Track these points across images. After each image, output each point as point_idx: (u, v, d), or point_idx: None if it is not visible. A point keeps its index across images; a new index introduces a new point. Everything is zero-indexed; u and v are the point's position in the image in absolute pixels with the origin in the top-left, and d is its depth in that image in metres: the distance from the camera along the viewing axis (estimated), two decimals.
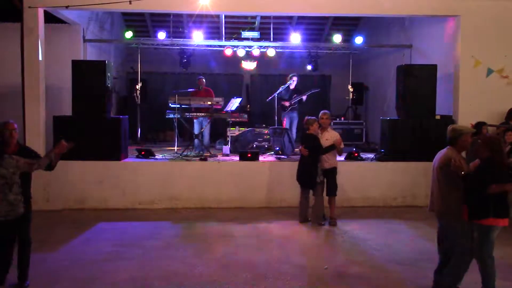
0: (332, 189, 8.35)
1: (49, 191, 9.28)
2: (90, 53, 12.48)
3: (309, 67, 14.75)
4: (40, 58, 9.44)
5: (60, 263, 6.33)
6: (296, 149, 10.28)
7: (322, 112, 8.47)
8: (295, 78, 12.09)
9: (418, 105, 10.17)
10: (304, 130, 8.53)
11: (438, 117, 10.41)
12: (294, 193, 8.82)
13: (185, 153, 10.56)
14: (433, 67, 10.38)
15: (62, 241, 7.22)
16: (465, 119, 9.54)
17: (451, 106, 10.45)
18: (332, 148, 8.14)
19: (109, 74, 9.87)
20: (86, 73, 9.67)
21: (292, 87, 12.08)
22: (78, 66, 9.79)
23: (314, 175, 8.17)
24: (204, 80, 12.15)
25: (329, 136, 8.25)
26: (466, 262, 5.15)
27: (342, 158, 10.48)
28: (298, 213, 8.49)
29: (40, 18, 9.44)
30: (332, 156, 8.26)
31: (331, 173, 8.32)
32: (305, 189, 8.41)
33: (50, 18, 10.30)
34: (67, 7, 9.12)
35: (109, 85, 9.89)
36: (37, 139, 9.37)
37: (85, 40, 12.13)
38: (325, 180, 8.32)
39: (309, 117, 8.45)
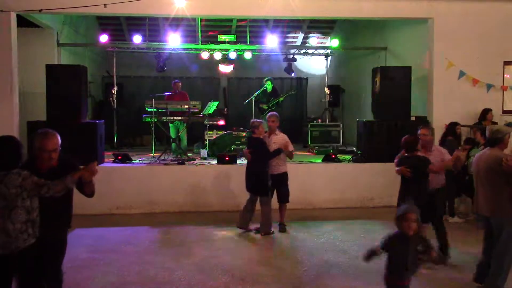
0: (284, 196, 7.94)
1: None
2: (65, 57, 12.32)
3: (288, 74, 14.81)
4: (13, 63, 9.30)
5: None
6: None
7: (269, 114, 8.15)
8: (269, 83, 12.18)
9: (393, 106, 10.29)
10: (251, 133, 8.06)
11: (413, 118, 10.57)
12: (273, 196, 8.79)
13: (162, 157, 10.50)
14: (408, 69, 10.54)
15: None
16: (440, 120, 9.71)
17: (425, 107, 10.61)
18: (279, 152, 7.70)
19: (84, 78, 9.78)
20: (60, 78, 9.55)
21: (268, 90, 12.17)
22: (53, 71, 9.66)
23: (266, 181, 7.71)
24: (180, 84, 12.10)
25: (277, 140, 7.82)
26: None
27: (319, 160, 10.61)
28: (239, 218, 8.02)
29: (12, 22, 9.29)
30: (281, 161, 7.83)
31: (281, 179, 7.88)
32: (254, 196, 7.92)
33: (23, 22, 10.15)
34: (40, 10, 9.01)
35: (84, 89, 9.79)
36: None
37: (59, 44, 11.98)
38: (274, 187, 7.90)
39: (255, 119, 8.10)
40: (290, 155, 7.91)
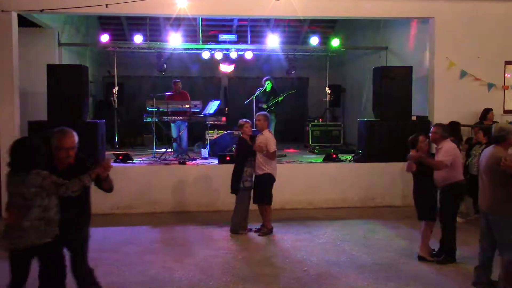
0: (257, 196, 7.78)
1: None
2: (66, 57, 12.33)
3: (289, 74, 14.78)
4: (14, 63, 9.31)
5: (37, 270, 6.21)
6: None
7: (257, 114, 8.13)
8: (268, 82, 12.19)
9: (394, 106, 10.30)
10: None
11: (414, 118, 10.56)
12: (274, 196, 8.77)
13: (163, 157, 10.50)
14: (409, 69, 10.53)
15: None
16: (440, 120, 9.65)
17: (426, 107, 10.61)
18: (247, 153, 7.72)
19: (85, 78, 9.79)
20: (61, 77, 9.55)
21: (267, 89, 12.18)
22: (54, 70, 9.66)
23: (237, 181, 7.72)
24: (180, 84, 12.10)
25: (262, 139, 7.69)
26: None
27: (320, 159, 10.62)
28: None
29: (14, 21, 9.29)
30: (264, 161, 7.65)
31: (261, 179, 7.71)
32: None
33: (24, 22, 10.15)
34: (41, 10, 9.01)
35: (85, 89, 9.80)
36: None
37: (60, 44, 11.98)
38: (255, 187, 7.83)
39: (242, 119, 8.08)
40: (268, 156, 7.63)
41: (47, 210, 4.10)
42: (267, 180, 7.73)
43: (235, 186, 7.78)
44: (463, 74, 10.22)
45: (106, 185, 4.54)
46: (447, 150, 6.45)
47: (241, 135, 7.97)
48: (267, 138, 7.70)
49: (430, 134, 6.68)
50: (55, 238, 4.18)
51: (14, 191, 4.06)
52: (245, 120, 7.99)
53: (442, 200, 6.57)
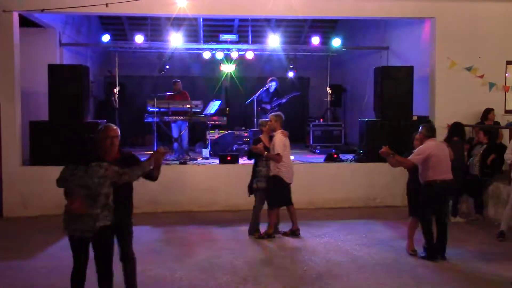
0: (268, 201, 7.68)
1: (26, 197, 9.14)
2: (67, 57, 12.33)
3: (290, 74, 14.75)
4: (16, 62, 9.32)
5: (37, 270, 6.23)
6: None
7: (270, 114, 8.06)
8: (274, 83, 12.17)
9: (395, 106, 10.29)
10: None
11: (415, 118, 10.55)
12: None
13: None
14: (410, 69, 10.52)
15: (40, 248, 7.11)
16: (442, 120, 9.71)
17: (427, 107, 10.59)
18: (250, 154, 7.78)
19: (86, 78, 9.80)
20: (63, 77, 9.56)
21: (271, 90, 12.15)
22: (55, 70, 9.67)
23: (252, 180, 7.75)
24: (180, 84, 12.09)
25: (272, 141, 7.62)
26: None
27: (321, 159, 10.62)
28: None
29: (15, 21, 9.30)
30: (272, 164, 7.53)
31: (270, 181, 7.58)
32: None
33: (25, 21, 10.16)
34: (42, 10, 9.02)
35: (86, 89, 9.81)
36: (13, 144, 9.24)
37: (61, 44, 11.98)
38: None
39: (263, 118, 8.07)
40: (271, 158, 7.50)
41: (108, 197, 4.51)
42: (273, 183, 7.56)
43: (250, 185, 7.79)
44: (468, 69, 10.17)
45: (157, 172, 4.99)
46: (418, 149, 6.58)
47: (261, 134, 7.88)
48: (274, 139, 7.57)
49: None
50: (111, 223, 4.55)
51: (78, 183, 4.44)
52: (267, 119, 7.92)
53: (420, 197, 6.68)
